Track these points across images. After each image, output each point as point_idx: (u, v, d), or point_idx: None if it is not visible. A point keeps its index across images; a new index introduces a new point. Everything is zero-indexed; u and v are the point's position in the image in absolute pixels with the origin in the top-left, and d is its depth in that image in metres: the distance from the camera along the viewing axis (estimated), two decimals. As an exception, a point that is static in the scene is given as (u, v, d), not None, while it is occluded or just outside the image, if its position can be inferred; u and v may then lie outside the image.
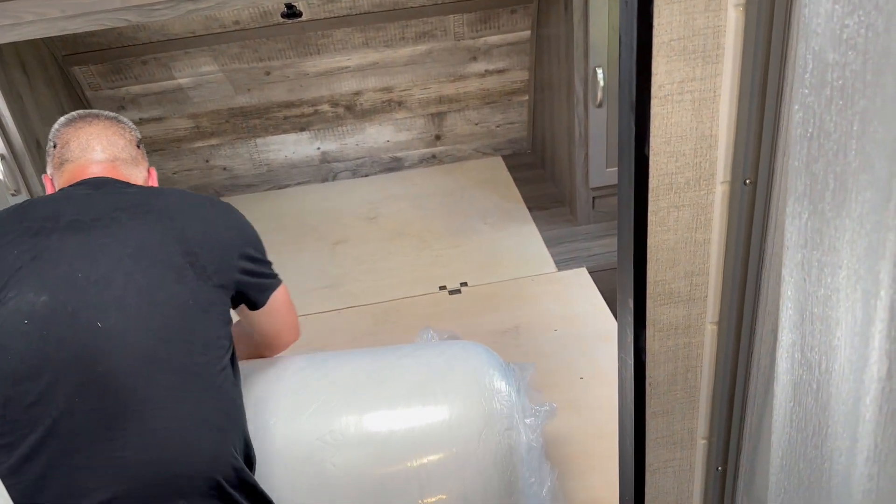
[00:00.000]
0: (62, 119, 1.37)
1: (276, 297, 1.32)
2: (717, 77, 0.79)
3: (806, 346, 0.70)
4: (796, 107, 0.61)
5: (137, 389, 1.08)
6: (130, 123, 1.43)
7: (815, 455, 0.73)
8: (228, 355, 1.19)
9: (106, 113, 1.40)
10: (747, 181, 0.84)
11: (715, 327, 0.95)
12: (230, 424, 1.15)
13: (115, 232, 1.17)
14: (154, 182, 1.40)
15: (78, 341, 1.08)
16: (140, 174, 1.36)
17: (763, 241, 0.87)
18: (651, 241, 0.88)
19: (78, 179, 1.28)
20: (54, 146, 1.34)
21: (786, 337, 0.73)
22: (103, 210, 1.20)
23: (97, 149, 1.32)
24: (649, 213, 0.86)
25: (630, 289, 0.92)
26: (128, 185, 1.29)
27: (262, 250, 1.31)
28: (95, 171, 1.29)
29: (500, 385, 1.28)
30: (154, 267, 1.15)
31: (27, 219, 1.18)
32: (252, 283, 1.27)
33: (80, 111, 1.39)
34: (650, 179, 0.84)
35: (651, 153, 0.82)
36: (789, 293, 0.70)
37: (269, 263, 1.33)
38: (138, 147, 1.39)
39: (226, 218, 1.29)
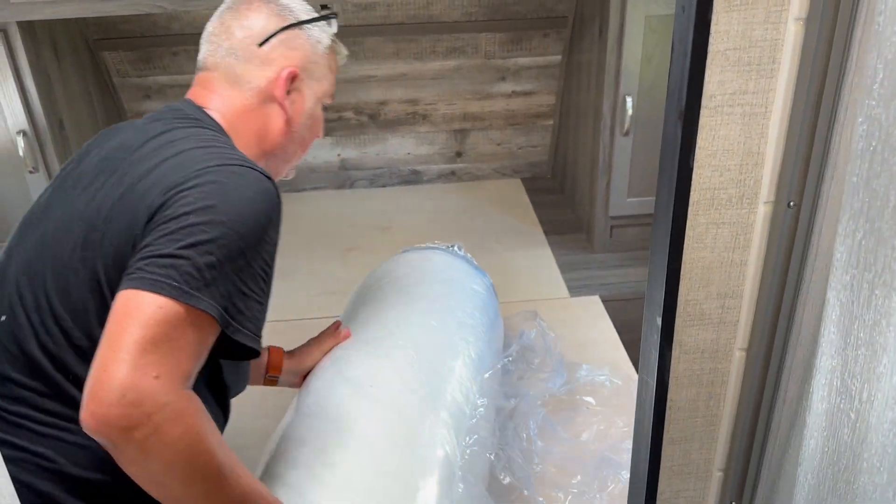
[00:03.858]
0: None
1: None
2: (771, 92, 0.77)
3: (847, 372, 0.67)
4: (860, 119, 0.59)
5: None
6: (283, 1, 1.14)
7: (846, 490, 0.70)
8: None
9: None
10: (791, 203, 0.81)
11: (743, 354, 0.92)
12: None
13: (73, 200, 1.00)
14: (279, 88, 1.11)
15: None
16: (245, 87, 1.10)
17: (802, 269, 0.84)
18: (686, 258, 0.85)
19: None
20: None
21: (824, 363, 0.70)
22: (110, 156, 1.03)
23: (205, 50, 1.13)
24: (687, 229, 0.83)
25: (659, 306, 0.89)
26: (192, 117, 1.07)
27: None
28: (196, 86, 1.13)
29: None
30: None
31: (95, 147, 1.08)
32: None
33: None
34: (692, 193, 0.81)
35: (695, 165, 0.80)
36: (833, 316, 0.67)
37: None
38: (263, 44, 1.10)
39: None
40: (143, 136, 1.03)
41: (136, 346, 0.79)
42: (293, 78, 1.13)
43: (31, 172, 2.05)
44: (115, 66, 2.45)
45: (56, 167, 2.06)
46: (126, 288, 0.84)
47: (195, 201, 0.89)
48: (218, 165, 0.94)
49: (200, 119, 1.07)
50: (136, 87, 2.54)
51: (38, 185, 2.07)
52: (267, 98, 1.12)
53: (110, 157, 1.03)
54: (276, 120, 1.13)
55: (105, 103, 2.46)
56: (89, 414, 0.79)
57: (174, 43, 2.44)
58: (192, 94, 1.13)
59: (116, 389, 0.77)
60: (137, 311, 0.82)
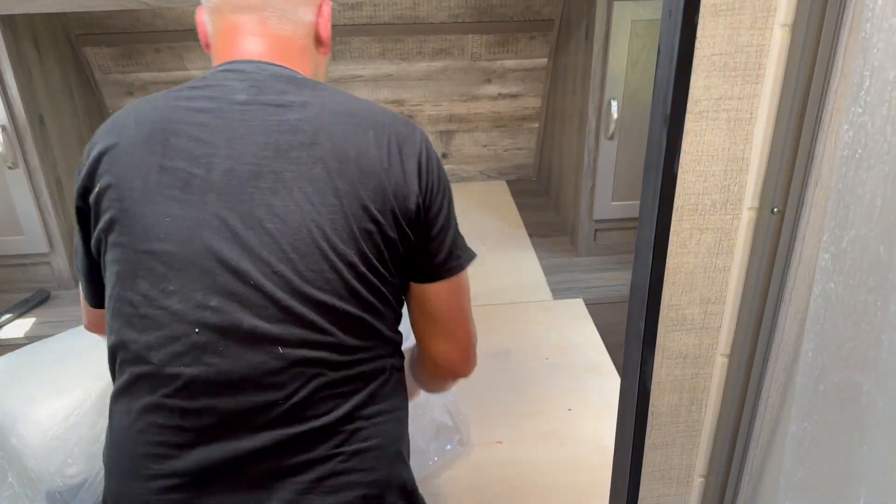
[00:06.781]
0: None
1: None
2: (756, 98, 0.76)
3: (830, 382, 0.66)
4: (845, 126, 0.59)
5: None
6: None
7: (829, 500, 0.70)
8: None
9: None
10: (775, 210, 0.81)
11: (725, 360, 0.92)
12: None
13: (282, 205, 0.86)
14: (325, 24, 0.99)
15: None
16: (302, 29, 0.96)
17: (785, 274, 0.84)
18: (670, 263, 0.85)
19: (230, 56, 0.93)
20: None
21: (807, 369, 0.70)
22: (261, 150, 0.87)
23: None
24: (671, 234, 0.83)
25: (642, 311, 0.89)
26: (287, 78, 0.92)
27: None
28: (248, 44, 0.93)
29: None
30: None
31: (170, 154, 0.87)
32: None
33: None
34: (676, 198, 0.81)
35: (679, 171, 0.80)
36: (817, 323, 0.67)
37: None
38: None
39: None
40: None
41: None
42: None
43: (10, 168, 2.02)
44: (98, 62, 2.42)
45: (36, 163, 2.02)
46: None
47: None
48: None
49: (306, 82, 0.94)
50: (118, 83, 2.52)
51: (17, 180, 2.04)
52: (313, 40, 1.00)
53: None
54: (323, 67, 1.03)
55: (86, 99, 2.43)
56: (471, 370, 1.14)
57: (157, 40, 2.41)
58: (259, 46, 0.93)
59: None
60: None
